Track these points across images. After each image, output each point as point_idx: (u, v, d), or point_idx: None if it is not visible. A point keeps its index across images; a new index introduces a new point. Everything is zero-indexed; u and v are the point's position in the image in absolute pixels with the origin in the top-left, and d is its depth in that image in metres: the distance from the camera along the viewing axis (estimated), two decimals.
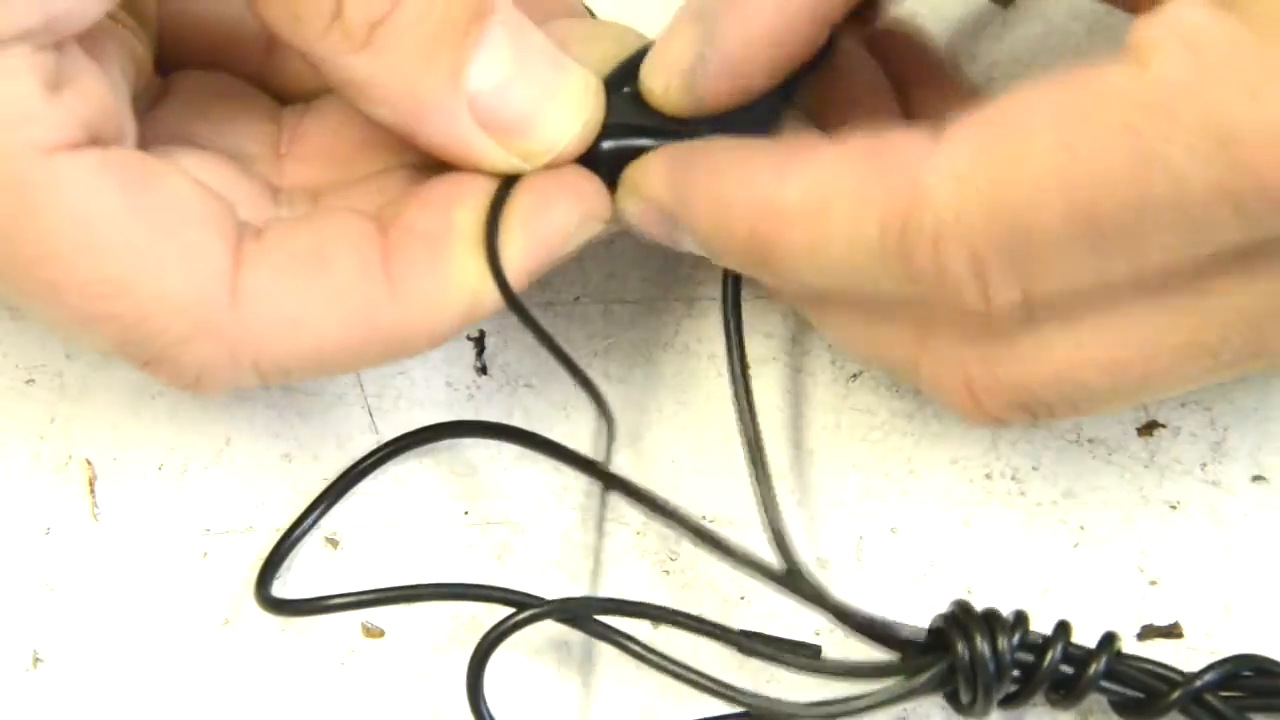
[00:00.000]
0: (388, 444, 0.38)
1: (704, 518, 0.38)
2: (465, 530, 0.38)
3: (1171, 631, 0.37)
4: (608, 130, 0.33)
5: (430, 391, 0.39)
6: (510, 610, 0.35)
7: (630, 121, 0.33)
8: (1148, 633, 0.37)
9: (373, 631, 0.37)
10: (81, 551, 0.38)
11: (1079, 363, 0.30)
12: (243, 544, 0.38)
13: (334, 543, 0.38)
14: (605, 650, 0.36)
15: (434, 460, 0.39)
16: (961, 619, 0.34)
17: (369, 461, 0.38)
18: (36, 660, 0.37)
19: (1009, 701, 0.34)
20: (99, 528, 0.38)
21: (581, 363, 0.39)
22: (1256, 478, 0.38)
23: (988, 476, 0.38)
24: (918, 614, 0.36)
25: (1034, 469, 0.38)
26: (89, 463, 0.39)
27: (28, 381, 0.39)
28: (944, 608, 0.34)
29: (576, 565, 0.38)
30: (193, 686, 0.37)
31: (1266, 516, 0.38)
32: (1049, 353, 0.30)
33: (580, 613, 0.35)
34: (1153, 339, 0.29)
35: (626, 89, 0.34)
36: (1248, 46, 0.25)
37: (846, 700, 0.33)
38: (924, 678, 0.33)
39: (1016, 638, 0.33)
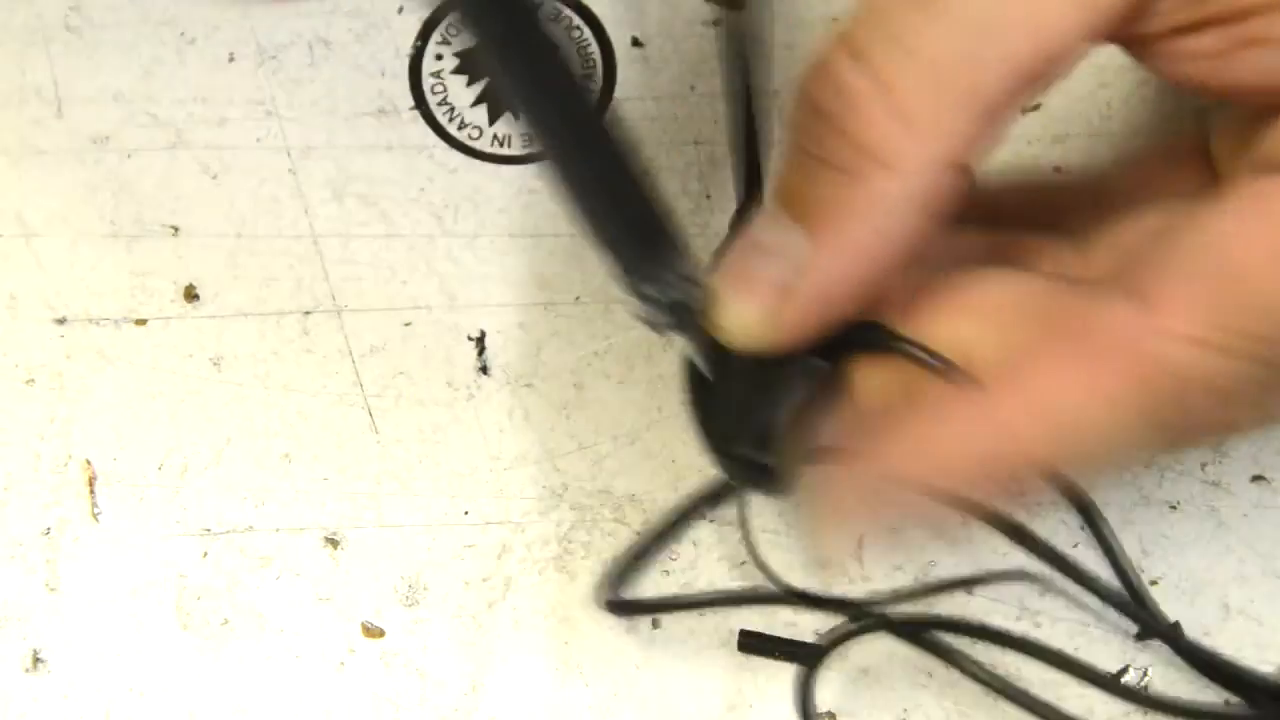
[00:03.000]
0: None
1: (703, 517, 0.38)
2: (465, 530, 0.38)
3: (1171, 631, 0.37)
4: None
5: (430, 391, 0.39)
6: (841, 620, 0.35)
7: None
8: (1147, 633, 0.37)
9: (373, 631, 0.38)
10: (81, 551, 0.38)
11: None
12: (243, 544, 0.38)
13: (334, 542, 0.38)
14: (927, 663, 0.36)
15: (434, 460, 0.39)
16: None
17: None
18: (36, 660, 0.37)
19: None
20: (99, 528, 0.38)
21: (581, 363, 0.39)
22: (1256, 478, 0.38)
23: None
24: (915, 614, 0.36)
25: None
26: (89, 463, 0.39)
27: (28, 381, 0.40)
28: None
29: (577, 565, 0.38)
30: (193, 686, 0.37)
31: (1266, 516, 0.38)
32: None
33: (915, 629, 0.35)
34: None
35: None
36: None
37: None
38: None
39: None
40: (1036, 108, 0.40)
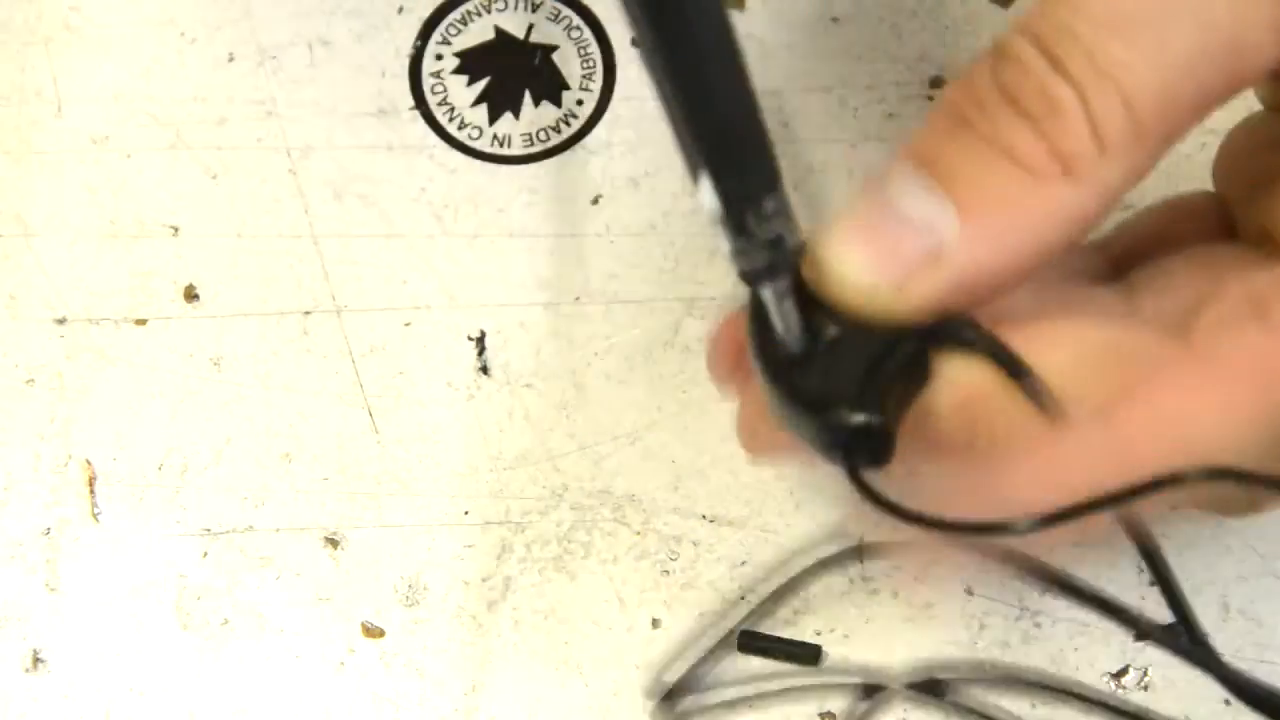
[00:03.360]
0: None
1: (704, 518, 0.38)
2: (465, 530, 0.38)
3: (1171, 632, 0.37)
4: None
5: (431, 391, 0.39)
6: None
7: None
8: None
9: (373, 631, 0.38)
10: (81, 551, 0.38)
11: None
12: (243, 544, 0.38)
13: (334, 542, 0.38)
14: None
15: (434, 460, 0.39)
16: None
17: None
18: (36, 660, 0.37)
19: None
20: (99, 528, 0.38)
21: (581, 363, 0.39)
22: None
23: None
24: (921, 614, 0.36)
25: None
26: (89, 463, 0.39)
27: (28, 381, 0.40)
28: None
29: (577, 565, 0.38)
30: (193, 686, 0.37)
31: (1266, 516, 0.38)
32: None
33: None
34: None
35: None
36: None
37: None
38: None
39: None
40: None
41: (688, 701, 0.34)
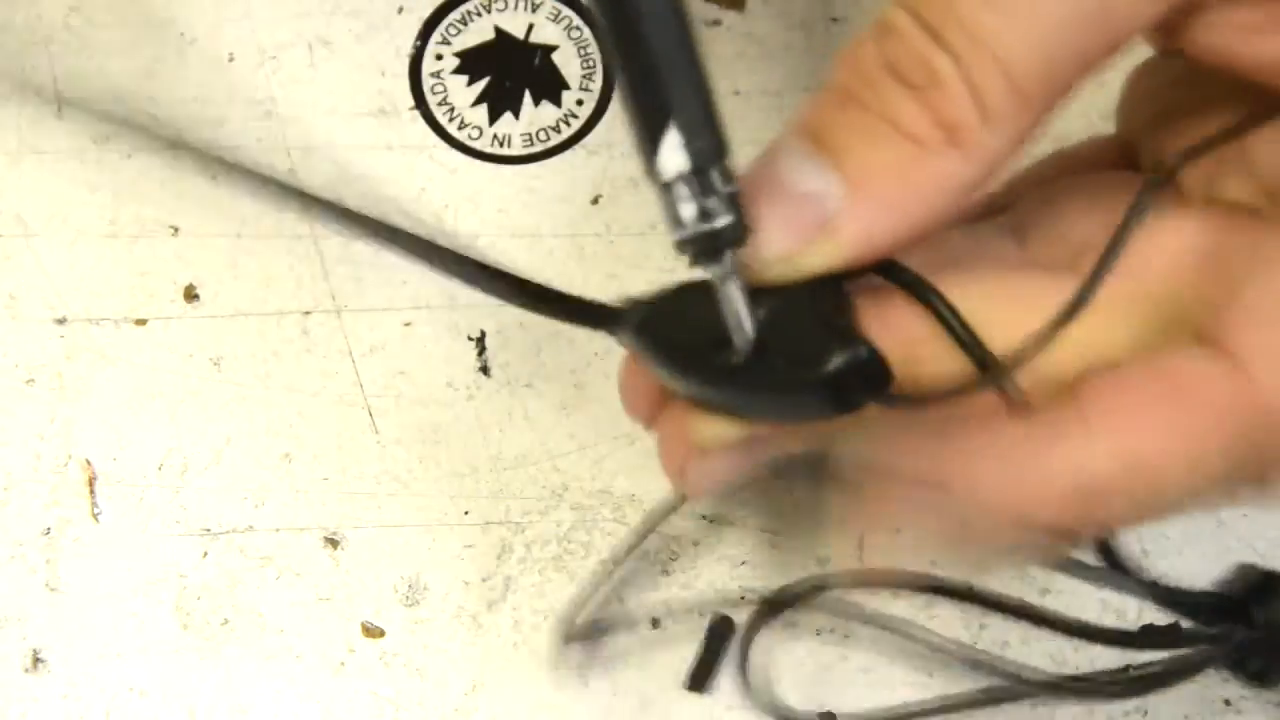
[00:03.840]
0: None
1: (704, 518, 0.38)
2: (465, 530, 0.38)
3: (1171, 631, 0.37)
4: None
5: (431, 391, 0.39)
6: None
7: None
8: (1147, 632, 0.37)
9: (373, 631, 0.38)
10: (81, 551, 0.38)
11: None
12: (243, 544, 0.38)
13: (334, 542, 0.38)
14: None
15: (434, 460, 0.39)
16: (1262, 584, 0.32)
17: None
18: (36, 660, 0.37)
19: None
20: (99, 528, 0.38)
21: (581, 363, 0.39)
22: None
23: None
24: (921, 613, 0.36)
25: None
26: (89, 463, 0.39)
27: (28, 381, 0.40)
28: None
29: (577, 565, 0.38)
30: (193, 686, 0.37)
31: (1266, 516, 0.38)
32: None
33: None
34: None
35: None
36: None
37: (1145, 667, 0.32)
38: (1226, 645, 0.32)
39: None
40: None
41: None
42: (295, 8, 0.43)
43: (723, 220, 0.28)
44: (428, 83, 0.42)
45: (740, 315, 0.29)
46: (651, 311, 0.30)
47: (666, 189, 0.28)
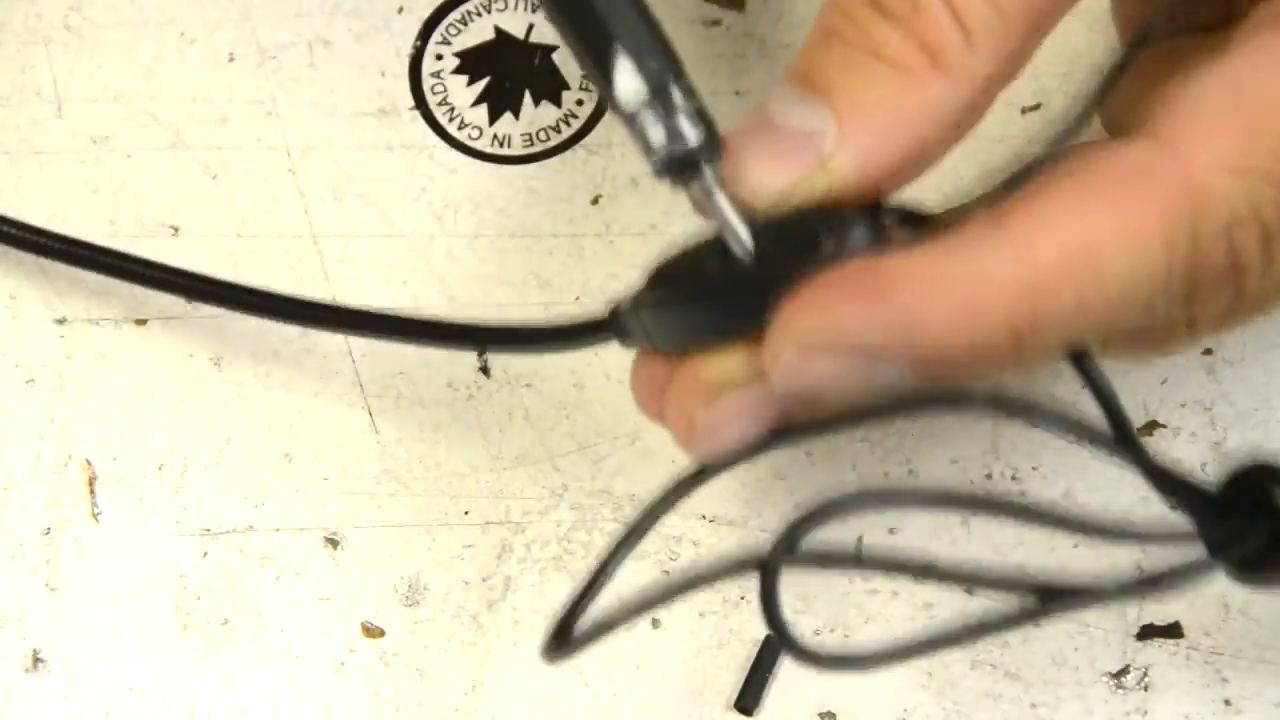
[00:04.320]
0: None
1: (704, 518, 0.38)
2: (465, 530, 0.38)
3: (1171, 631, 0.37)
4: None
5: (431, 391, 0.39)
6: None
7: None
8: (1147, 632, 0.37)
9: (373, 631, 0.38)
10: (81, 551, 0.38)
11: None
12: (243, 544, 0.38)
13: (334, 542, 0.38)
14: None
15: (434, 460, 0.39)
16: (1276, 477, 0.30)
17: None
18: (36, 660, 0.37)
19: None
20: (99, 528, 0.38)
21: (581, 361, 0.39)
22: None
23: (988, 476, 0.38)
24: (921, 613, 0.36)
25: (1034, 469, 0.38)
26: (89, 463, 0.39)
27: (28, 381, 0.40)
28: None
29: (577, 565, 0.38)
30: (193, 686, 0.37)
31: None
32: None
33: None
34: None
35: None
36: None
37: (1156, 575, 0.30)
38: (1235, 548, 0.30)
39: None
40: (1037, 107, 0.40)
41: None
42: (295, 8, 0.43)
43: (693, 135, 0.28)
44: (428, 83, 0.42)
45: (733, 223, 0.29)
46: (646, 287, 0.31)
47: (632, 119, 0.28)
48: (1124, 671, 0.37)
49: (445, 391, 0.39)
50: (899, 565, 0.31)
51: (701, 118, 0.28)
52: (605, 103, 0.42)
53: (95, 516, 0.38)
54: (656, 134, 0.28)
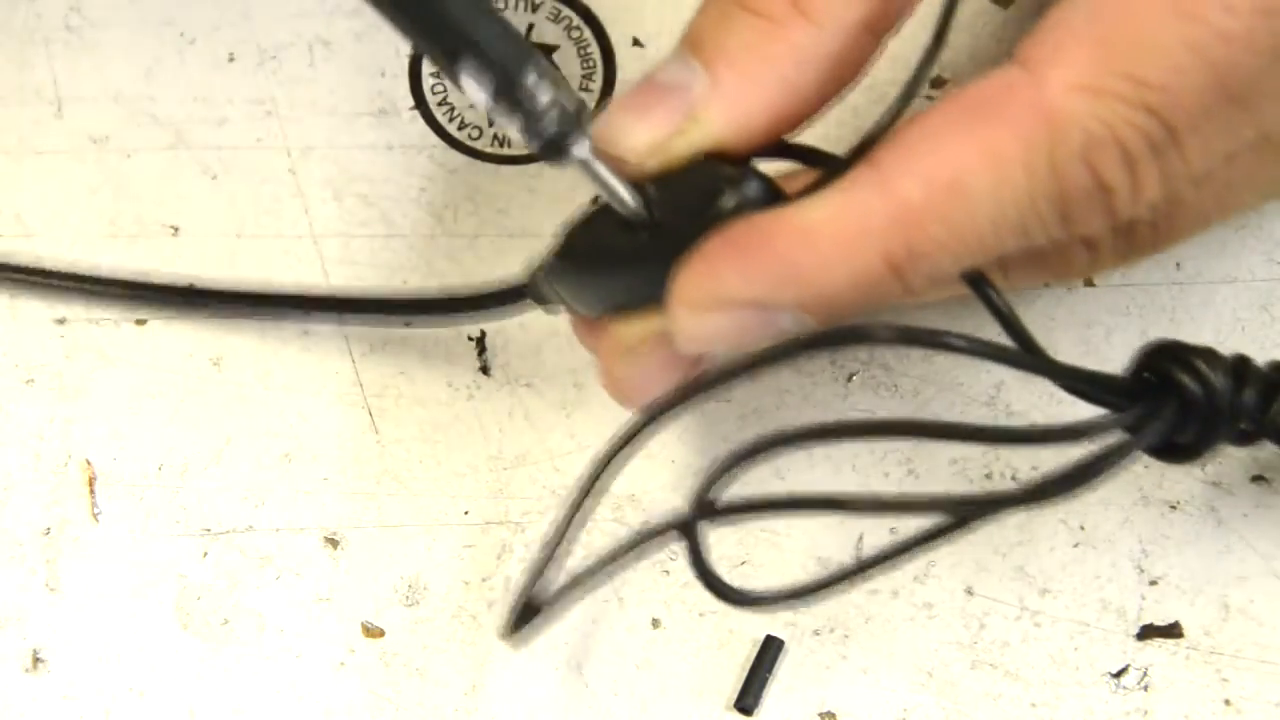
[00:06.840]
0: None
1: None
2: (465, 530, 0.38)
3: (1171, 631, 0.37)
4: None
5: (431, 391, 0.39)
6: None
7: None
8: (1147, 632, 0.37)
9: (373, 631, 0.38)
10: (81, 551, 0.38)
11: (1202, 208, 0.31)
12: (243, 544, 0.38)
13: (334, 542, 0.38)
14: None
15: (435, 460, 0.39)
16: (1178, 355, 0.31)
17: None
18: (36, 660, 0.37)
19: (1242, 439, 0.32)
20: (99, 528, 0.38)
21: (581, 363, 0.39)
22: (1256, 478, 0.38)
23: (987, 476, 0.38)
24: (921, 613, 0.36)
25: (1034, 469, 0.38)
26: (89, 463, 0.39)
27: (28, 381, 0.40)
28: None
29: (577, 565, 0.38)
30: (193, 686, 0.37)
31: (1266, 516, 0.38)
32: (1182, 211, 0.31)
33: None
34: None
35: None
36: None
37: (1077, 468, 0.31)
38: (1151, 427, 0.30)
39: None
40: None
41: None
42: (295, 8, 0.43)
43: (551, 119, 0.29)
44: (428, 83, 0.42)
45: (618, 190, 0.30)
46: (554, 255, 0.32)
47: (491, 118, 0.30)
48: (1124, 671, 0.37)
49: (445, 391, 0.39)
50: (822, 502, 0.32)
51: (559, 97, 0.29)
52: (605, 103, 0.42)
53: (95, 516, 0.38)
54: (515, 128, 0.29)
